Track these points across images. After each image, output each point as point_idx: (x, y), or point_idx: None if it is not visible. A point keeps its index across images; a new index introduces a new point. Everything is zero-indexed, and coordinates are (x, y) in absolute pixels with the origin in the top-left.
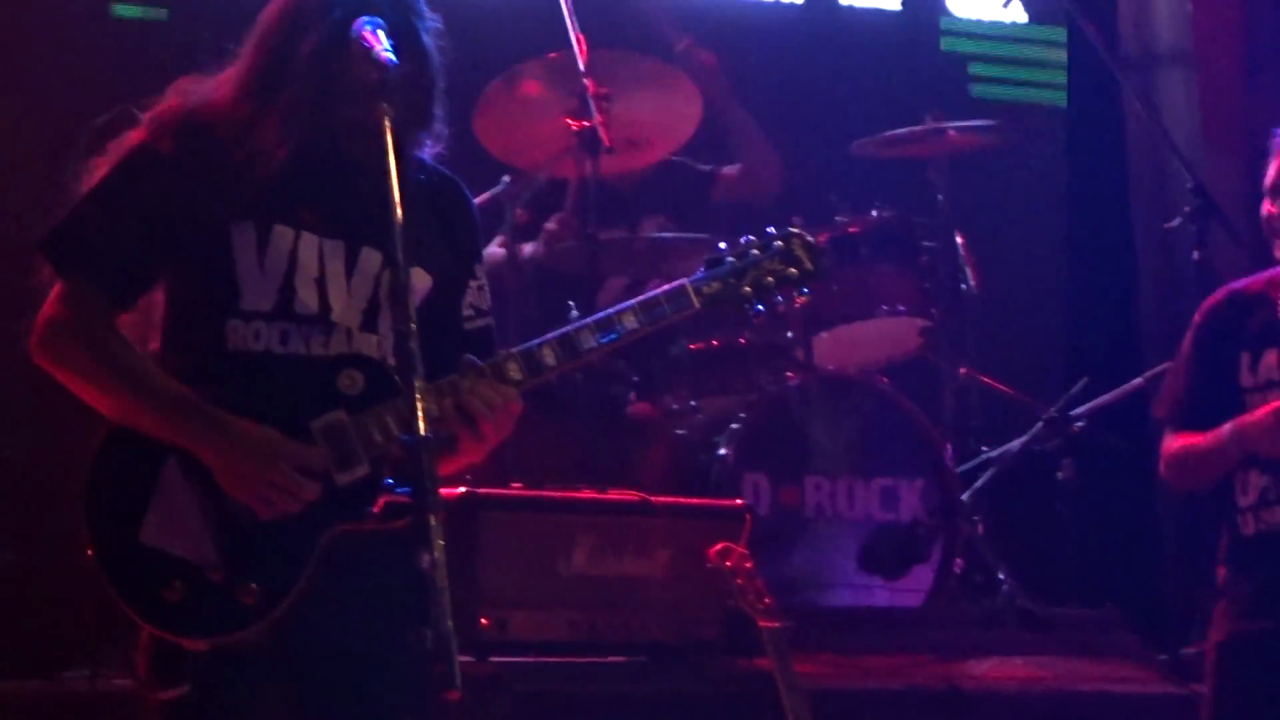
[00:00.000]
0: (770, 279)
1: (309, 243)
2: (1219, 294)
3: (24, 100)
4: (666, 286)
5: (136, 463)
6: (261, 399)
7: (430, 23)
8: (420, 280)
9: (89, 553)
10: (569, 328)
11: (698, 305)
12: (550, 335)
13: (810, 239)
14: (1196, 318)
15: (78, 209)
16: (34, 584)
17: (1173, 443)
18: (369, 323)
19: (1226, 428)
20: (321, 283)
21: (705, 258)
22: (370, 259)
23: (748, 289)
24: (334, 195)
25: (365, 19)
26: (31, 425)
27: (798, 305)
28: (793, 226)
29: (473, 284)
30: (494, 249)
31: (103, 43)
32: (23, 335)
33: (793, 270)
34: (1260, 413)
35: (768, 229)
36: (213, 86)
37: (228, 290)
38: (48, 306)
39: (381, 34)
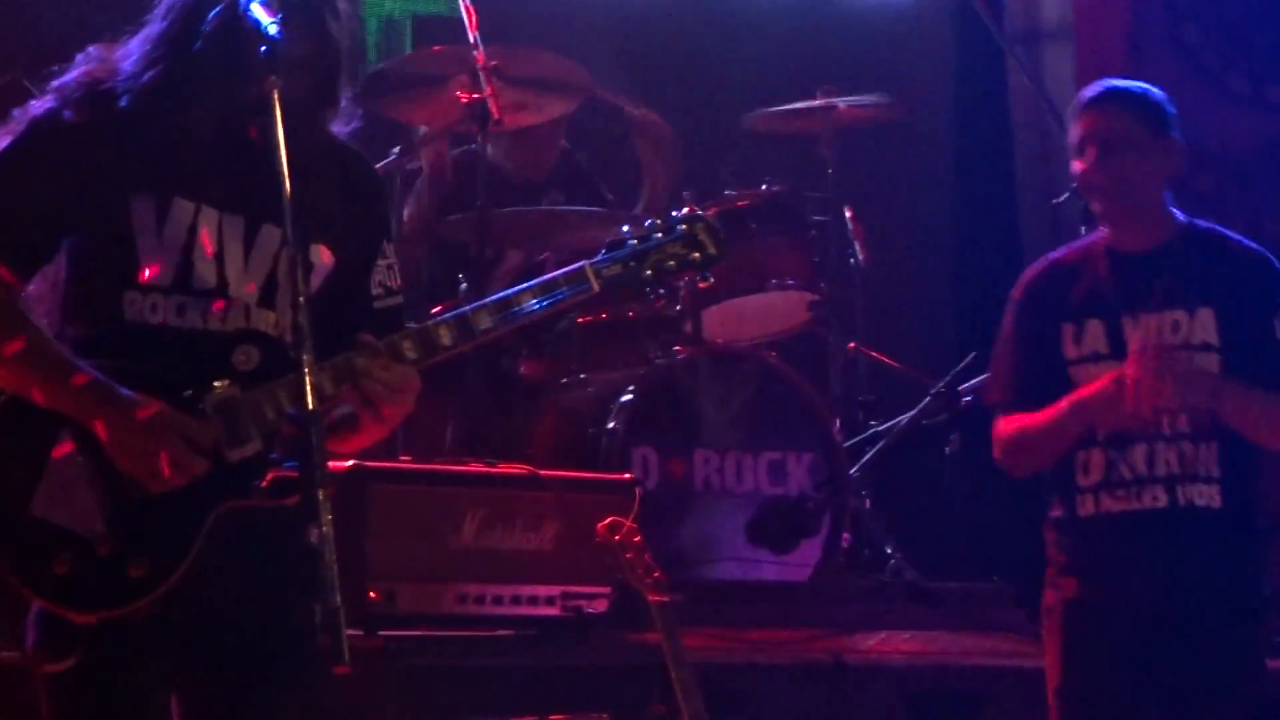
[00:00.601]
0: (672, 262)
1: (209, 217)
2: (1036, 267)
3: None
4: (566, 268)
5: (30, 434)
6: (157, 372)
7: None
8: (322, 257)
9: None
10: (467, 308)
11: (597, 287)
12: (448, 314)
13: (713, 222)
14: (1015, 294)
15: None
16: None
17: (1007, 425)
18: (266, 299)
19: (1064, 403)
20: (220, 258)
21: (607, 239)
22: (270, 235)
23: (649, 272)
24: (236, 171)
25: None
26: None
27: (701, 288)
28: (695, 208)
29: (382, 262)
30: None
31: None
32: None
33: (695, 254)
34: (1099, 383)
35: (671, 211)
36: (120, 55)
37: (126, 262)
38: None
39: (270, 7)
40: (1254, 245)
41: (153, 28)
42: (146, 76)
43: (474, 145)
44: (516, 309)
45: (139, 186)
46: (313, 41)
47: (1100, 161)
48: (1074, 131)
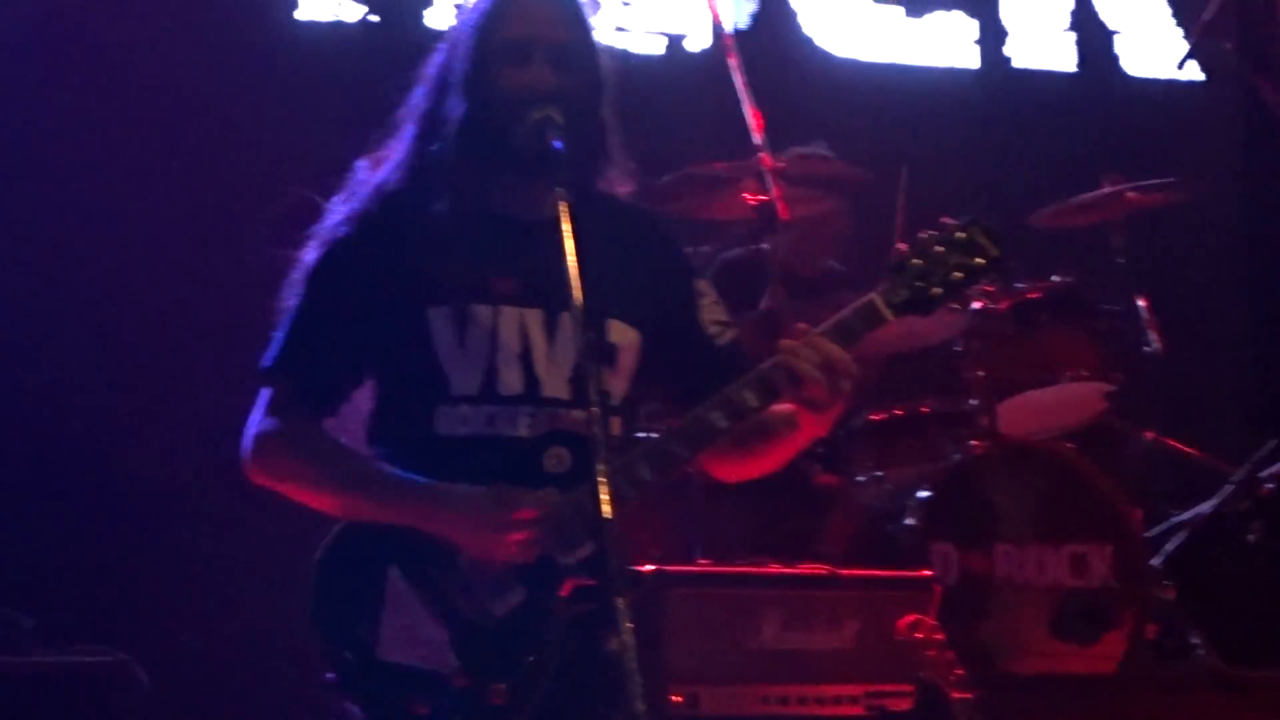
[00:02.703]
0: (959, 273)
1: (508, 317)
2: None
3: (213, 116)
4: (856, 304)
5: (358, 580)
6: (477, 482)
7: (599, 45)
8: (623, 336)
9: (329, 676)
10: (768, 363)
11: (890, 316)
12: (748, 376)
13: (989, 222)
14: None
15: (281, 320)
16: (226, 671)
17: None
18: (577, 391)
19: None
20: (526, 358)
21: (887, 263)
22: (570, 324)
23: (937, 290)
24: (523, 262)
25: (535, 108)
26: (221, 511)
27: (987, 292)
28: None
29: (704, 301)
30: None
31: (288, 49)
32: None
33: (979, 260)
34: None
35: (943, 219)
36: (384, 168)
37: (434, 377)
38: (254, 421)
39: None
40: None
41: (406, 136)
42: (412, 188)
43: (749, 247)
44: None
45: (433, 299)
46: (587, 130)
47: None
48: None
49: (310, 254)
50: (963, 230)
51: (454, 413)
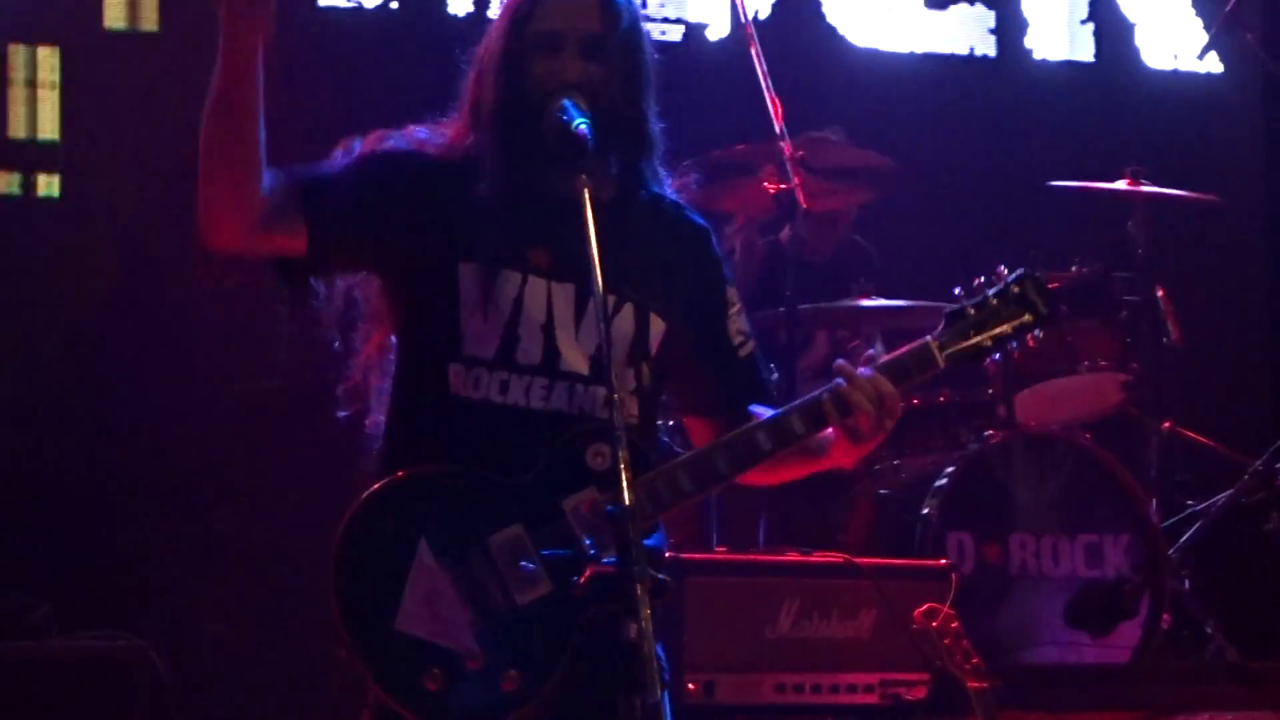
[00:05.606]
0: (1007, 326)
1: (537, 287)
2: None
3: None
4: (911, 348)
5: (386, 548)
6: (487, 450)
7: (639, 38)
8: (653, 325)
9: (343, 639)
10: (819, 392)
11: (941, 363)
12: (798, 402)
13: (1043, 280)
14: None
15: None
16: (244, 660)
17: None
18: (596, 370)
19: None
20: (549, 329)
21: (945, 310)
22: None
23: (988, 341)
24: (560, 238)
25: (561, 95)
26: (239, 498)
27: (1030, 346)
28: (1024, 269)
29: (732, 310)
30: None
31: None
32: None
33: (1028, 316)
34: None
35: (1000, 268)
36: (446, 125)
37: (451, 333)
38: None
39: (577, 106)
40: None
41: (462, 103)
42: (460, 152)
43: (772, 237)
44: None
45: (464, 255)
46: (618, 120)
47: None
48: None
49: (375, 144)
50: (1018, 284)
51: (467, 374)
